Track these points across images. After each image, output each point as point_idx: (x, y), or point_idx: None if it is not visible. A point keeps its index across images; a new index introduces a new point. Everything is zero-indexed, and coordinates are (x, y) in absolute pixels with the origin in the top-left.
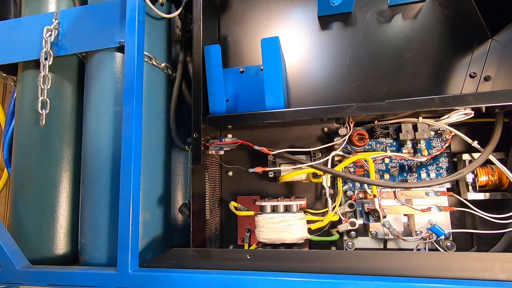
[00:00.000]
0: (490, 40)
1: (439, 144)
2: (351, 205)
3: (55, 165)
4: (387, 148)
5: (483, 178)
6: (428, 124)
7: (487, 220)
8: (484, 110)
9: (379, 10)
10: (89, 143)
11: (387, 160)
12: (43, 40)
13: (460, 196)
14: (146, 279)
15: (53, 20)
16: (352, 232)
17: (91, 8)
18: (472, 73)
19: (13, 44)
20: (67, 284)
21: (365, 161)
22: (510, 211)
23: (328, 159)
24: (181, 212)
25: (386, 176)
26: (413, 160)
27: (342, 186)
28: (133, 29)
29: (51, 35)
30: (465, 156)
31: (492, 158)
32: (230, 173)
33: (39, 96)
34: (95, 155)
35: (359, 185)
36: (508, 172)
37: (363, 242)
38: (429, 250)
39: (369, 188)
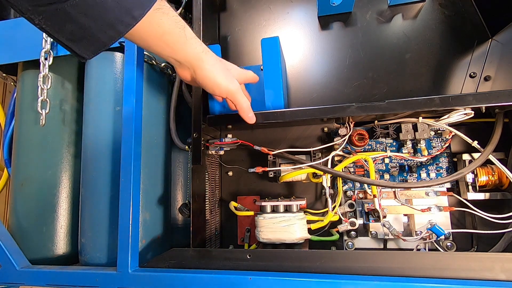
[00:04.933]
0: (490, 40)
1: (439, 144)
2: (351, 205)
3: (55, 165)
4: (387, 148)
5: (483, 178)
6: (428, 124)
7: (487, 220)
8: (484, 110)
9: (379, 10)
10: (89, 143)
11: (387, 160)
12: (43, 40)
13: (460, 196)
14: (146, 279)
15: None
16: (352, 232)
17: None
18: (472, 73)
19: (13, 44)
20: (67, 284)
21: (365, 161)
22: (510, 211)
23: (328, 159)
24: (181, 212)
25: (386, 176)
26: (413, 160)
27: (342, 186)
28: None
29: None
30: (465, 156)
31: (492, 158)
32: (230, 173)
33: (39, 96)
34: (95, 155)
35: (359, 185)
36: (508, 172)
37: (363, 242)
38: (429, 250)
39: (369, 188)
